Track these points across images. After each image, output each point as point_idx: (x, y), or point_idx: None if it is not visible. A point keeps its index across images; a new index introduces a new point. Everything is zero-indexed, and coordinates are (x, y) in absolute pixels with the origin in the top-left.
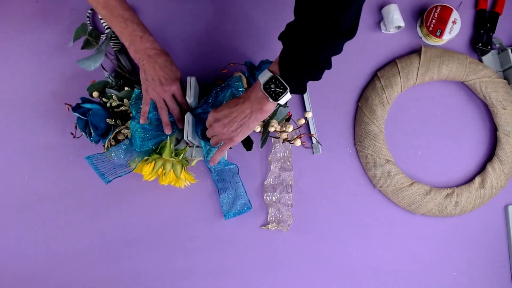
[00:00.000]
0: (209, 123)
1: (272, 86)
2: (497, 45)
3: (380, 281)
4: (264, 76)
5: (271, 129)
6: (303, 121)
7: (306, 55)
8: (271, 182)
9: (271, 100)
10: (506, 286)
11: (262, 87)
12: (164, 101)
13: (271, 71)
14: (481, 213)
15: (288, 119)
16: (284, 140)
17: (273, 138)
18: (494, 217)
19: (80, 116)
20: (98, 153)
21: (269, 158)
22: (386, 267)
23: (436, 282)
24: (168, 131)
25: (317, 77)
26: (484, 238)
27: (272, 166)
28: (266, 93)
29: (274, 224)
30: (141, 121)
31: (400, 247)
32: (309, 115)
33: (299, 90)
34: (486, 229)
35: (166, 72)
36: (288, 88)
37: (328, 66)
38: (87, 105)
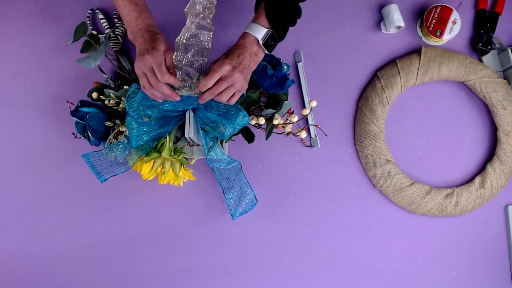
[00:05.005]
0: (227, 71)
1: (269, 40)
2: (497, 45)
3: (380, 281)
4: (260, 33)
5: (275, 122)
6: (307, 111)
7: (288, 6)
8: (184, 41)
9: (266, 52)
10: (506, 286)
11: (261, 43)
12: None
13: (263, 26)
14: (481, 213)
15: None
16: (288, 133)
17: None
18: (494, 217)
19: (78, 120)
20: (95, 151)
21: (185, 9)
22: (386, 267)
23: (436, 282)
24: (176, 98)
25: (295, 23)
26: (484, 238)
27: (188, 21)
28: (264, 48)
29: (185, 89)
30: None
31: (400, 247)
32: (314, 103)
33: (283, 38)
34: (486, 229)
35: (146, 44)
36: (279, 40)
37: (300, 11)
38: (85, 109)
